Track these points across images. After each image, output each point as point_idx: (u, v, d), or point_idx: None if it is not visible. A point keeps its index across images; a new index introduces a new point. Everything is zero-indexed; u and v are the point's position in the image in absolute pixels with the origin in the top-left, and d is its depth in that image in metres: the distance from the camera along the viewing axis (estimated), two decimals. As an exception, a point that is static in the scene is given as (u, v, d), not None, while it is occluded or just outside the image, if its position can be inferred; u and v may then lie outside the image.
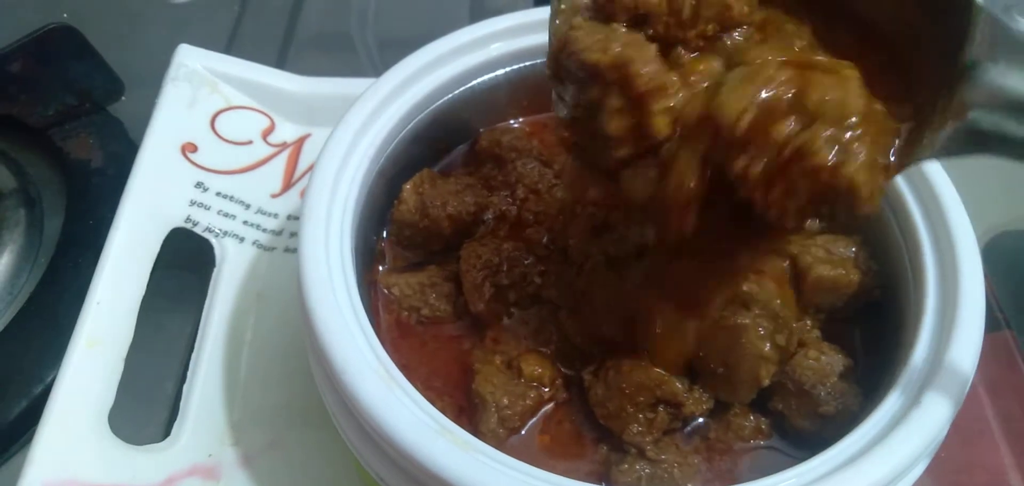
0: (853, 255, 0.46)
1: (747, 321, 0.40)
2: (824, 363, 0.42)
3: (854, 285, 0.45)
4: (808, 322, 0.44)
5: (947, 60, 0.32)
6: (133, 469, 0.46)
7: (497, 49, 0.51)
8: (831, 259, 0.46)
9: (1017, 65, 0.31)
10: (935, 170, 0.45)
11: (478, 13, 0.83)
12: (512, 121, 0.54)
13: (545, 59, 0.42)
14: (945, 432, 0.38)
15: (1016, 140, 0.32)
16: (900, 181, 0.45)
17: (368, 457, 0.38)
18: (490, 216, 0.48)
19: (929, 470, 0.39)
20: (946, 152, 0.33)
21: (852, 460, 0.35)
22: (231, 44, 0.80)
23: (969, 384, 0.38)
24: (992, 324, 0.54)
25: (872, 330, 0.45)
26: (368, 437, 0.38)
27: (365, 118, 0.46)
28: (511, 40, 0.51)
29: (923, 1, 0.33)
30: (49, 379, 0.50)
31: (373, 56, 0.79)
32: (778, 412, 0.42)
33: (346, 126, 0.46)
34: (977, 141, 0.33)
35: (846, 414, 0.41)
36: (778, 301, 0.41)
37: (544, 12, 0.51)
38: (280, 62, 0.78)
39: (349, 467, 0.48)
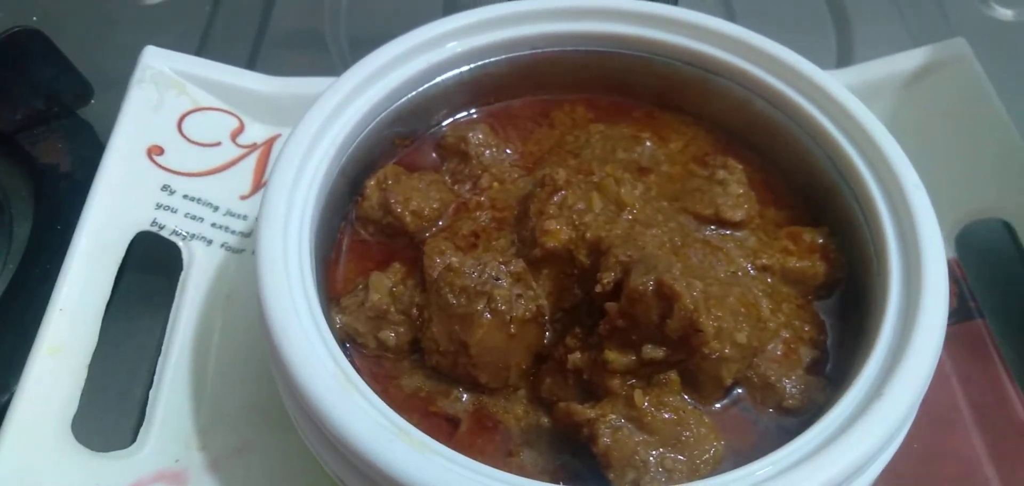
0: (820, 246, 0.46)
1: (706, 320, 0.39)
2: (790, 356, 0.42)
3: (821, 276, 0.45)
4: (778, 315, 0.44)
5: None
6: (98, 476, 0.46)
7: (458, 46, 0.51)
8: (797, 251, 0.45)
9: None
10: (900, 161, 0.45)
11: (451, 10, 0.82)
12: (474, 111, 0.54)
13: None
14: (908, 423, 0.38)
15: None
16: (865, 171, 0.45)
17: (328, 459, 0.38)
18: (451, 209, 0.48)
19: (902, 459, 0.39)
20: None
21: (812, 454, 0.34)
22: (202, 45, 0.79)
23: (931, 375, 0.37)
24: (964, 313, 0.54)
25: (842, 321, 0.45)
26: (327, 440, 0.37)
27: (325, 117, 0.46)
28: (472, 37, 0.51)
29: None
30: (16, 388, 0.49)
31: (345, 55, 0.78)
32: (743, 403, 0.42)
33: (305, 125, 0.45)
34: None
35: (812, 407, 0.41)
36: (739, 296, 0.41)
37: (502, 8, 0.51)
38: (252, 62, 0.77)
39: (317, 470, 0.47)
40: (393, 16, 0.81)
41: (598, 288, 0.40)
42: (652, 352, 0.38)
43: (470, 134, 0.50)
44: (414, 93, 0.50)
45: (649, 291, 0.37)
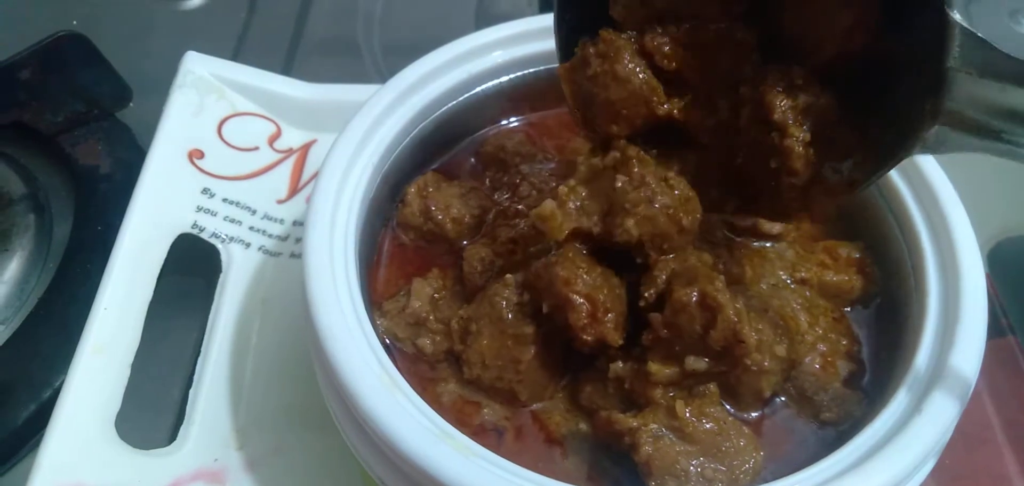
0: (856, 260, 0.46)
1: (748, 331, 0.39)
2: (827, 369, 0.42)
3: (857, 290, 0.45)
4: (815, 328, 0.44)
5: (926, 73, 0.33)
6: (139, 473, 0.47)
7: (499, 56, 0.51)
8: (834, 265, 0.46)
9: (990, 76, 0.32)
10: (937, 175, 0.45)
11: (483, 19, 0.83)
12: (514, 119, 0.55)
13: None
14: (947, 439, 0.38)
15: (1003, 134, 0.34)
16: (902, 186, 0.46)
17: (371, 461, 0.39)
18: (491, 216, 0.48)
19: (933, 475, 0.39)
20: (937, 149, 0.35)
21: (851, 468, 0.35)
22: (238, 50, 0.80)
23: (971, 391, 0.38)
24: (996, 330, 0.54)
25: (878, 335, 0.45)
26: (370, 441, 0.38)
27: (369, 125, 0.47)
28: (513, 47, 0.52)
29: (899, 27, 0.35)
30: (58, 383, 0.51)
31: (378, 62, 0.79)
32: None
33: (350, 133, 0.46)
34: (970, 134, 0.34)
35: (848, 420, 0.41)
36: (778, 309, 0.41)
37: (545, 19, 0.52)
38: (287, 68, 0.79)
39: (353, 471, 0.48)
40: (426, 24, 0.83)
41: (641, 302, 0.40)
42: (695, 364, 0.38)
43: (508, 143, 0.51)
44: (455, 102, 0.51)
45: (693, 303, 0.38)
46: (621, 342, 0.40)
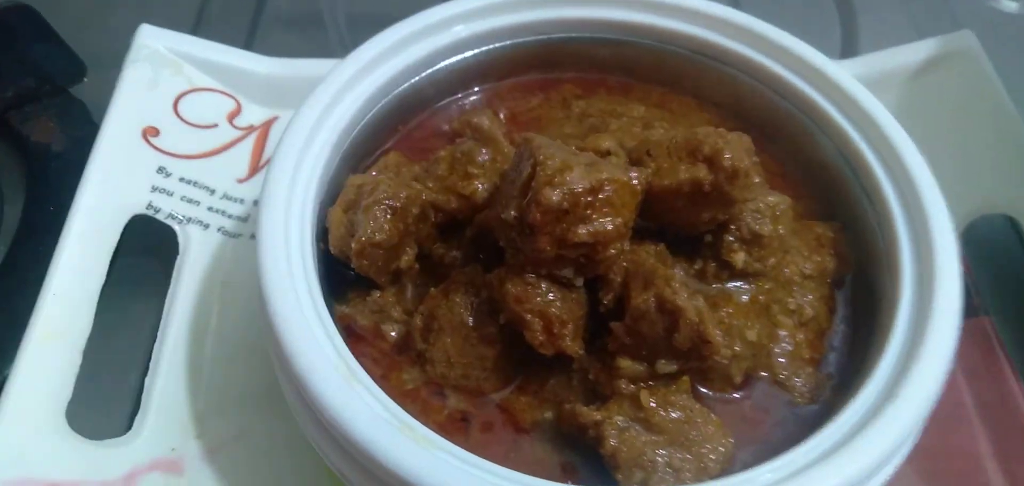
0: (830, 239, 0.45)
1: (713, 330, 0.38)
2: (799, 352, 0.42)
3: (831, 271, 0.45)
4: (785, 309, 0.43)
5: None
6: (92, 465, 0.45)
7: (461, 30, 0.50)
8: (807, 246, 0.45)
9: None
10: (911, 154, 0.44)
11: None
12: (476, 89, 0.53)
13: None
14: (923, 424, 0.37)
15: None
16: (876, 165, 0.45)
17: (328, 452, 0.38)
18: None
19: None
20: None
21: (826, 455, 0.34)
22: (198, 24, 0.78)
23: (947, 373, 0.37)
24: (970, 309, 0.53)
25: (852, 317, 0.44)
26: (327, 433, 0.37)
27: (327, 101, 0.45)
28: (474, 22, 0.50)
29: None
30: (5, 374, 0.48)
31: (343, 35, 0.77)
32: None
33: (307, 109, 0.45)
34: None
35: (822, 403, 0.40)
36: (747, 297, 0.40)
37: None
38: (249, 42, 0.76)
39: (315, 458, 0.46)
40: (392, -4, 0.81)
41: (601, 308, 0.39)
42: (666, 367, 0.37)
43: (475, 119, 0.49)
44: (417, 78, 0.50)
45: (652, 308, 0.37)
46: (581, 352, 0.39)
